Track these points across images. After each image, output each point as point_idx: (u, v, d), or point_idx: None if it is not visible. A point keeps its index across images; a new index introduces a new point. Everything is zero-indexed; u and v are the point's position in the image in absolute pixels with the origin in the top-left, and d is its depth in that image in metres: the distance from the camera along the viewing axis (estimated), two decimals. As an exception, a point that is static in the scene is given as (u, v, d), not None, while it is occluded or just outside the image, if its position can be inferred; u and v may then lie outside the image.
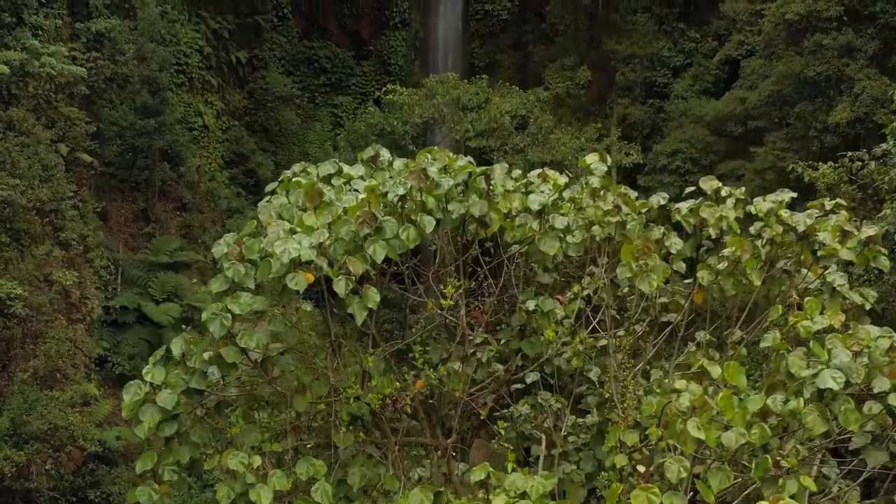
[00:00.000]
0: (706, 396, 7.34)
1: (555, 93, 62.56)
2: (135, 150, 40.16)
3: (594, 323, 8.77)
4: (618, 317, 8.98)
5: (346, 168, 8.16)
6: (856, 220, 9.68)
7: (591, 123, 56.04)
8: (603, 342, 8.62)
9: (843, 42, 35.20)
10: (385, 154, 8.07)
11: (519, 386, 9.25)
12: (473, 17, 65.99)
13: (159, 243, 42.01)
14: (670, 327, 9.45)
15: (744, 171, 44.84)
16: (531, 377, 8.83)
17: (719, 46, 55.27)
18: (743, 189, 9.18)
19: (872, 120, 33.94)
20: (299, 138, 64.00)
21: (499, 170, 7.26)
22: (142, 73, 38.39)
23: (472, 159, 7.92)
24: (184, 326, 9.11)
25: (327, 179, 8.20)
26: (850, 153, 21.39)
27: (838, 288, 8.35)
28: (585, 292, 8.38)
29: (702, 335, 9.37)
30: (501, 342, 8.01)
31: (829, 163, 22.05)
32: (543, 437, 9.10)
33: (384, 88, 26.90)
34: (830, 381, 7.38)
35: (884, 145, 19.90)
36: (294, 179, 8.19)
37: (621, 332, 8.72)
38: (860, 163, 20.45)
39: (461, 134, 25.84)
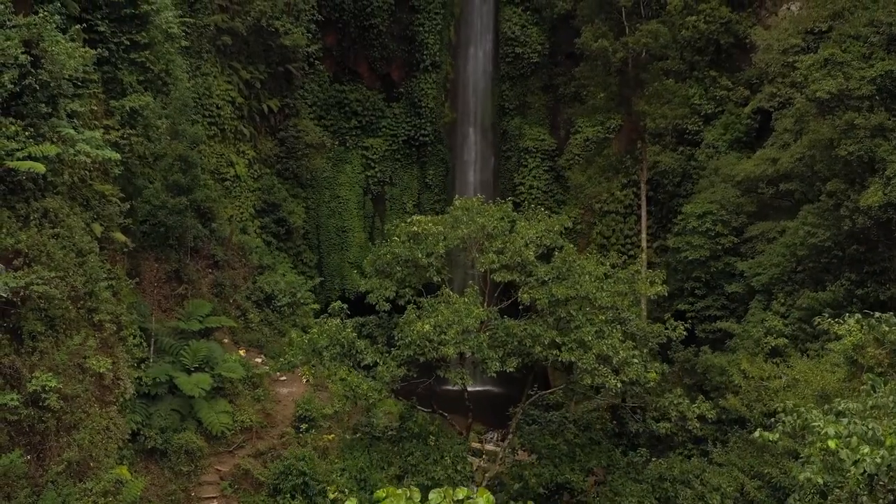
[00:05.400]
0: None
1: (585, 136, 62.69)
2: (167, 227, 40.78)
3: None
4: None
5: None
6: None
7: (618, 177, 56.01)
8: None
9: (875, 122, 34.79)
10: (416, 496, 8.19)
11: None
12: (503, 59, 66.29)
13: (191, 307, 42.50)
14: None
15: (774, 235, 44.54)
16: None
17: (751, 95, 54.90)
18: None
19: (905, 205, 33.56)
20: (330, 182, 64.72)
21: None
22: (174, 151, 38.97)
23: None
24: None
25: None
26: (877, 314, 21.19)
27: None
28: None
29: None
30: None
31: (857, 315, 21.83)
32: None
33: (409, 219, 27.02)
34: None
35: (911, 318, 19.73)
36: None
37: None
38: (887, 328, 20.24)
39: (485, 266, 25.95)
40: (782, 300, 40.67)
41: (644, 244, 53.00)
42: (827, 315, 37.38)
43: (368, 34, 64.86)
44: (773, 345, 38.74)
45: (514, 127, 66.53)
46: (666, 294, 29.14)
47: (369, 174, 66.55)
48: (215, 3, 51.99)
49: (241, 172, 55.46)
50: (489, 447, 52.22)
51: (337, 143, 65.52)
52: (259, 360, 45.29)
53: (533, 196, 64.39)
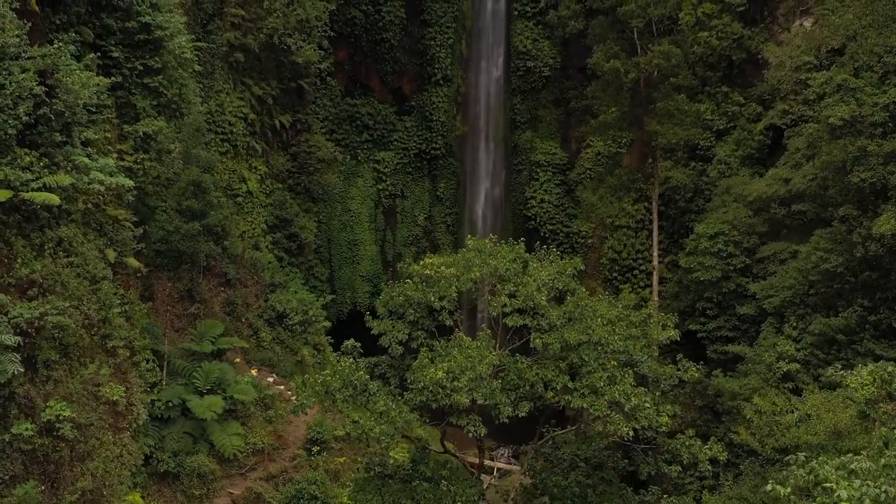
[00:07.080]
0: None
1: (596, 151, 62.64)
2: (180, 253, 40.95)
3: None
4: None
5: None
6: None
7: (630, 193, 55.93)
8: None
9: (888, 149, 34.65)
10: None
11: None
12: (515, 73, 66.31)
13: (204, 328, 42.67)
14: None
15: (786, 256, 44.38)
16: None
17: (763, 111, 54.66)
18: None
19: (918, 234, 33.40)
20: (342, 195, 64.89)
21: None
22: (187, 175, 39.15)
23: None
24: None
25: None
26: (890, 367, 21.20)
27: None
28: None
29: None
30: None
31: (870, 365, 21.84)
32: None
33: (421, 262, 27.08)
34: None
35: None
36: None
37: None
38: (899, 382, 20.32)
39: (497, 311, 26.04)
40: (794, 324, 40.55)
41: (655, 260, 52.93)
42: (841, 339, 37.51)
43: (380, 48, 65.02)
44: (785, 370, 38.67)
45: (525, 140, 66.56)
46: (678, 339, 29.20)
47: (381, 187, 66.73)
48: (228, 21, 52.19)
49: (254, 188, 55.64)
50: (500, 464, 52.32)
51: (348, 156, 65.73)
52: (271, 379, 45.46)
53: (544, 210, 64.40)
